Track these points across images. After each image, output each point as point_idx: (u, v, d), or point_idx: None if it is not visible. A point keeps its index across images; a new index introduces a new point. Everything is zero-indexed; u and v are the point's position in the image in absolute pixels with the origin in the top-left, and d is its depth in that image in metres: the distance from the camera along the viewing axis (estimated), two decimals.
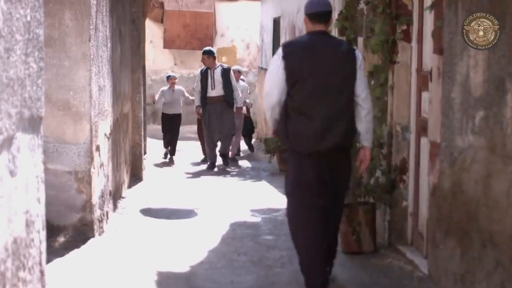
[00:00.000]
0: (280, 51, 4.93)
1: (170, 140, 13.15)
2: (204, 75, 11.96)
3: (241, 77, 13.59)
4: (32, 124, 2.52)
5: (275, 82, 4.86)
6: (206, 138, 12.07)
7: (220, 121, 11.83)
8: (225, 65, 12.38)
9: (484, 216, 4.17)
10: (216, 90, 11.84)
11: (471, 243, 4.36)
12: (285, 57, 4.84)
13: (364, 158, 5.02)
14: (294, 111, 4.83)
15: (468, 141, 4.40)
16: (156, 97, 13.41)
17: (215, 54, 12.26)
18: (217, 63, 12.15)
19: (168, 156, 13.15)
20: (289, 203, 4.98)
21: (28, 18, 2.45)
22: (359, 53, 4.99)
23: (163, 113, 13.52)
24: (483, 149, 4.20)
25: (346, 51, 4.92)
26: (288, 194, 4.99)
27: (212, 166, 11.97)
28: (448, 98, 4.74)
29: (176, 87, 13.38)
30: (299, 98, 4.80)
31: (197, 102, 11.98)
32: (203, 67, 12.22)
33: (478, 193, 4.27)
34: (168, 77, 13.56)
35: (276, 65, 4.87)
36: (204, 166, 12.20)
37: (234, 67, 13.22)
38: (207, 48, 12.57)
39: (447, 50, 4.77)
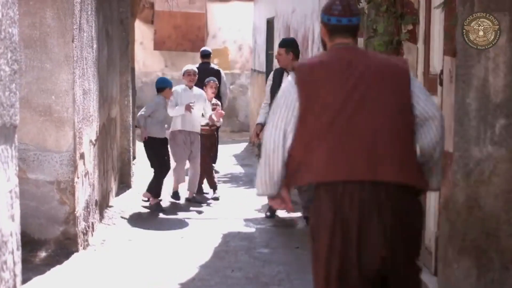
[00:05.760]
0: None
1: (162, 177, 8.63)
2: (277, 79, 7.58)
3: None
4: (5, 134, 2.33)
5: None
6: None
7: None
8: None
9: (507, 235, 3.81)
10: None
11: (490, 264, 3.99)
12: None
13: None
14: None
15: (487, 152, 4.03)
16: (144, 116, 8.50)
17: (297, 49, 7.82)
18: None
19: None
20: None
21: None
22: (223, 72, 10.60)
23: (150, 138, 8.43)
24: (505, 161, 3.84)
25: (214, 72, 10.63)
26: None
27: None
28: (462, 104, 4.37)
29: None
30: None
31: (261, 119, 7.55)
32: (277, 67, 8.12)
33: (498, 209, 3.91)
34: (165, 84, 8.96)
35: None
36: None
37: None
38: (285, 39, 8.33)
39: (461, 52, 4.40)
